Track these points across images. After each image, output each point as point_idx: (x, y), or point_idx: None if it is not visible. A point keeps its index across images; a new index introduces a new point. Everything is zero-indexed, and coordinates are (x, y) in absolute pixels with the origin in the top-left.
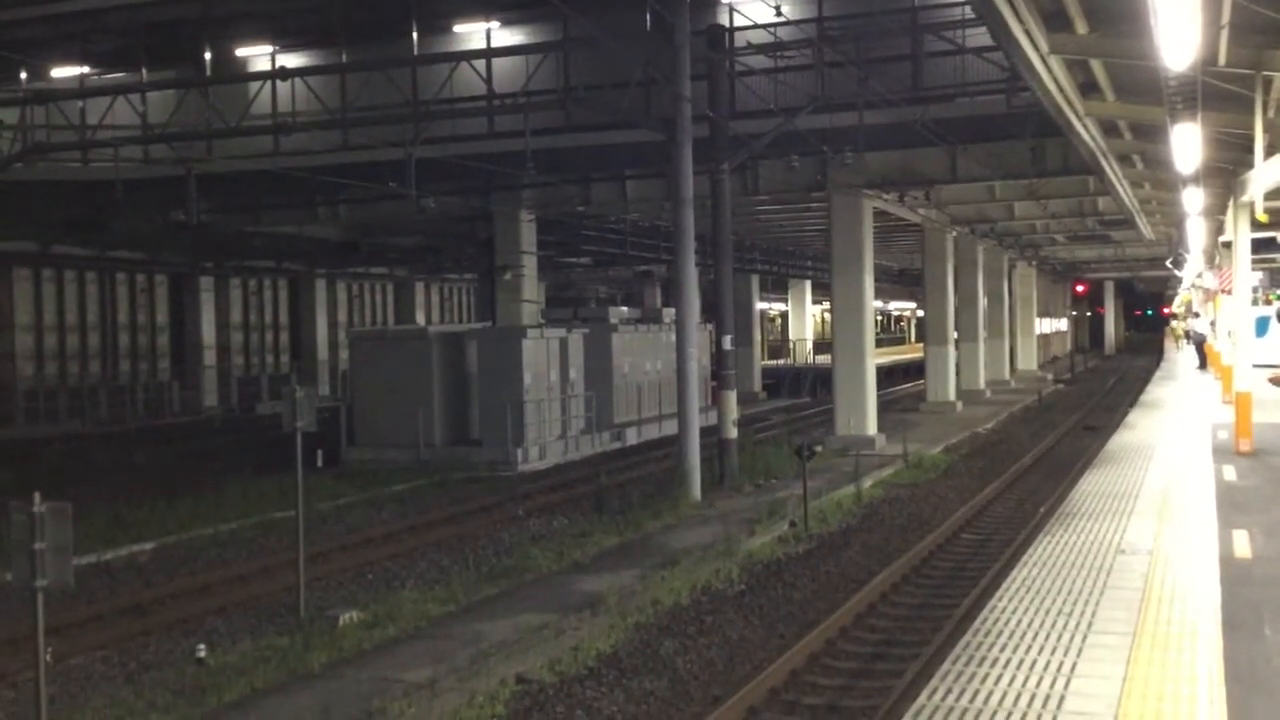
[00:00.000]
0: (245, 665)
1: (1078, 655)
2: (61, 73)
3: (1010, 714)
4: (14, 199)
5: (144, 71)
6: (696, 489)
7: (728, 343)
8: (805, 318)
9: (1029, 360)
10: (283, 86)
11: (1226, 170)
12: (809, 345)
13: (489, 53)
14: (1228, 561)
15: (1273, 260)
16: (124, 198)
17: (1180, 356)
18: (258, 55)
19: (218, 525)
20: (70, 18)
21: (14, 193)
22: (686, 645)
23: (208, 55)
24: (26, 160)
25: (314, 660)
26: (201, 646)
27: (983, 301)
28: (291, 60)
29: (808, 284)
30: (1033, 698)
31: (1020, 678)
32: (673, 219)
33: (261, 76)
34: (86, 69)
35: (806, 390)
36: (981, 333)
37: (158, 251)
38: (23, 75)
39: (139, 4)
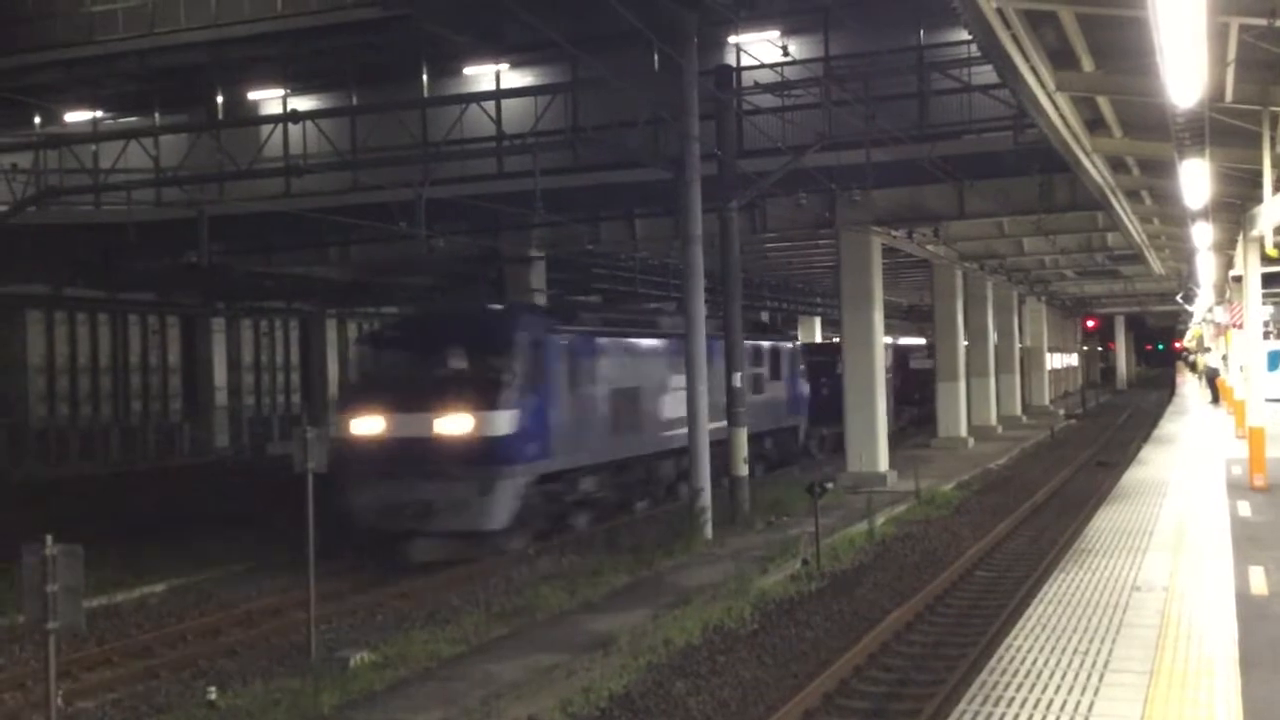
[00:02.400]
0: (255, 708)
1: (1094, 694)
2: (75, 117)
3: None
4: (28, 242)
5: (156, 115)
6: (708, 527)
7: (738, 380)
8: None
9: (1040, 395)
10: (294, 129)
11: (1235, 205)
12: None
13: (498, 94)
14: (1244, 598)
15: None
16: (136, 240)
17: (1191, 391)
18: (269, 98)
19: (228, 566)
20: (84, 63)
21: (28, 235)
22: (699, 685)
23: (219, 99)
24: (40, 204)
25: (324, 702)
26: (212, 689)
27: (993, 337)
28: (302, 103)
29: (817, 320)
30: None
31: (1037, 718)
32: (681, 257)
33: (273, 120)
34: (100, 113)
35: None
36: (992, 368)
37: (169, 293)
38: (37, 120)
39: (151, 49)
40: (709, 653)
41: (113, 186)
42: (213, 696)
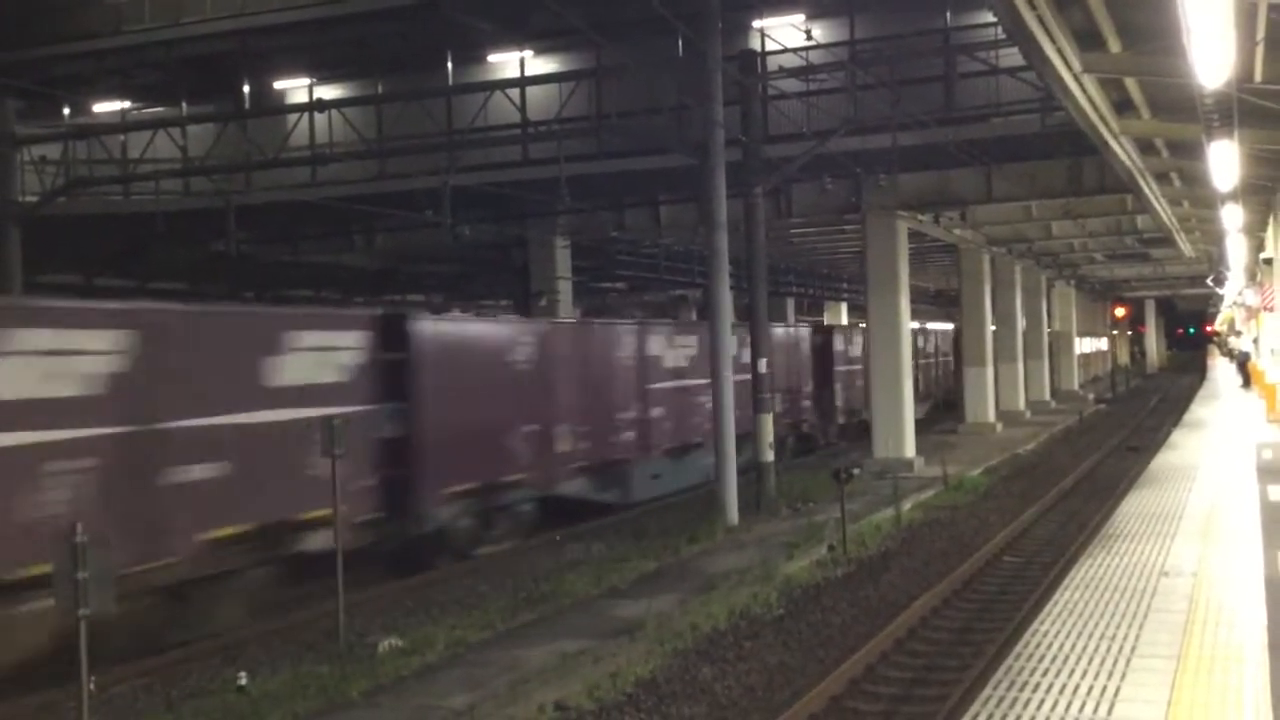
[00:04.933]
0: (285, 693)
1: (1121, 679)
2: (103, 107)
3: None
4: (58, 232)
5: (184, 105)
6: (733, 513)
7: (763, 366)
8: None
9: (1069, 380)
10: (320, 118)
11: (1265, 187)
12: None
13: (523, 81)
14: (1273, 583)
15: None
16: (165, 229)
17: (1223, 375)
18: (295, 87)
19: None
20: (111, 53)
21: (58, 226)
22: (725, 671)
23: (246, 88)
24: (70, 194)
25: (353, 688)
26: (242, 674)
27: (1021, 321)
28: (328, 92)
29: (843, 306)
30: None
31: (1063, 702)
32: (706, 243)
33: (299, 109)
34: (127, 103)
35: None
36: (1020, 353)
37: (198, 282)
38: (66, 111)
39: (178, 39)
40: (735, 638)
41: (141, 176)
42: (243, 682)
